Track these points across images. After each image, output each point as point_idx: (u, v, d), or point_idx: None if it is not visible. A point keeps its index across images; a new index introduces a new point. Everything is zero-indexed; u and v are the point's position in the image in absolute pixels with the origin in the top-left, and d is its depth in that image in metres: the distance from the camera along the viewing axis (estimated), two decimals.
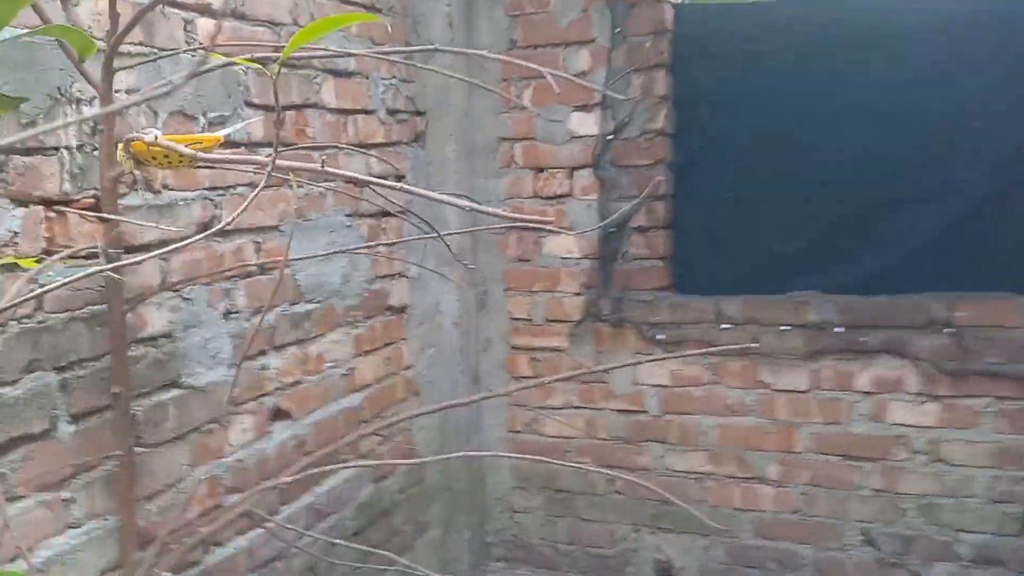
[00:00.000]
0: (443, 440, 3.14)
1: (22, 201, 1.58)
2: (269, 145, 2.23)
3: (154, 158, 1.55)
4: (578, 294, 3.17)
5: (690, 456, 3.13)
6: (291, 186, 2.30)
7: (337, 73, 2.51)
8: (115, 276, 1.65)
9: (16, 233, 1.56)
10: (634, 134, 3.03)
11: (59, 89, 1.63)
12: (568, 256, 3.17)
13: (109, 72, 1.56)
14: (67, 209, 1.65)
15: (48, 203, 1.63)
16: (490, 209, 1.12)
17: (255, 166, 1.68)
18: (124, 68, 1.64)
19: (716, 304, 2.99)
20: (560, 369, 3.21)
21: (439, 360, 3.15)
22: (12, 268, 1.55)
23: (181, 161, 1.56)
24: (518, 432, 3.32)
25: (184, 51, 1.89)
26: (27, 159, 1.58)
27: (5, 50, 1.52)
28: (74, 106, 1.67)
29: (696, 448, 3.11)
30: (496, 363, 3.31)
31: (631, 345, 3.12)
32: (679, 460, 3.14)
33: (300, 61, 2.34)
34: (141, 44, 1.82)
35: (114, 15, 1.54)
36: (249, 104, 2.16)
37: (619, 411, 3.18)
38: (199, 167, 1.84)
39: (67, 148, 1.66)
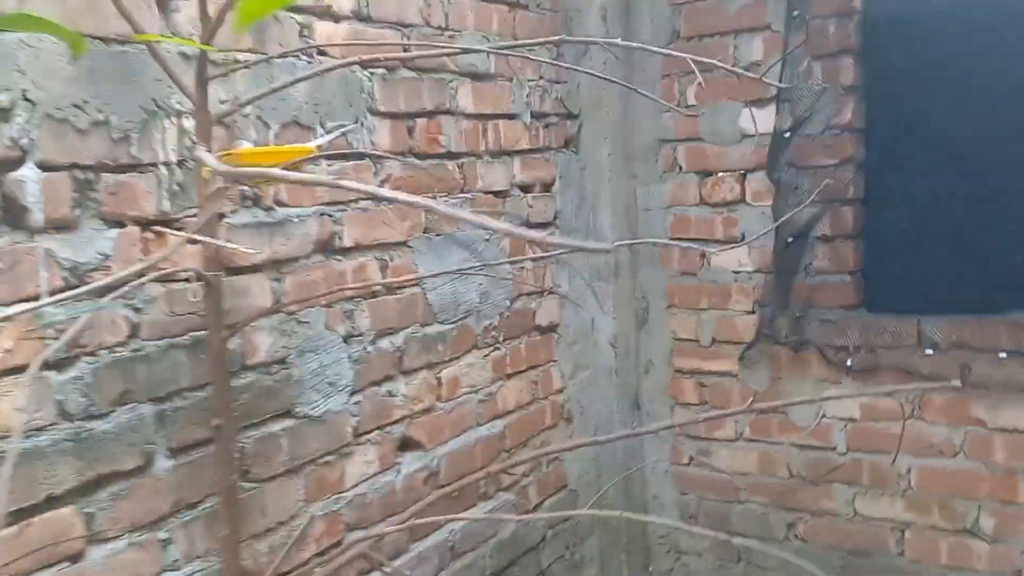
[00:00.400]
0: (599, 472, 2.88)
1: (116, 222, 1.49)
2: (397, 155, 2.07)
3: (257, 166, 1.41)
4: (751, 312, 2.81)
5: (885, 502, 2.68)
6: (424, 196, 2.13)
7: (476, 76, 2.32)
8: (214, 299, 1.53)
9: (108, 256, 1.46)
10: (816, 130, 2.64)
11: (155, 101, 1.53)
12: (740, 270, 2.82)
13: (202, 80, 1.43)
14: (166, 230, 1.55)
15: (145, 223, 1.53)
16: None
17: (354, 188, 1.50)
18: (218, 76, 1.52)
19: (916, 325, 2.54)
20: (730, 396, 2.87)
21: (593, 383, 2.89)
22: (103, 292, 1.46)
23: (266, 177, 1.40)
24: (684, 465, 3.00)
25: (290, 53, 1.76)
26: (121, 176, 1.48)
27: (94, 60, 1.43)
28: (173, 119, 1.56)
29: (893, 493, 2.66)
30: (658, 387, 3.01)
31: (814, 372, 2.72)
32: (872, 506, 2.71)
33: (434, 64, 2.17)
34: (251, 51, 1.70)
35: (206, 18, 1.41)
36: (374, 112, 2.01)
37: (800, 446, 2.79)
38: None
39: (165, 164, 1.56)
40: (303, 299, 1.84)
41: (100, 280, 1.43)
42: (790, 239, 2.65)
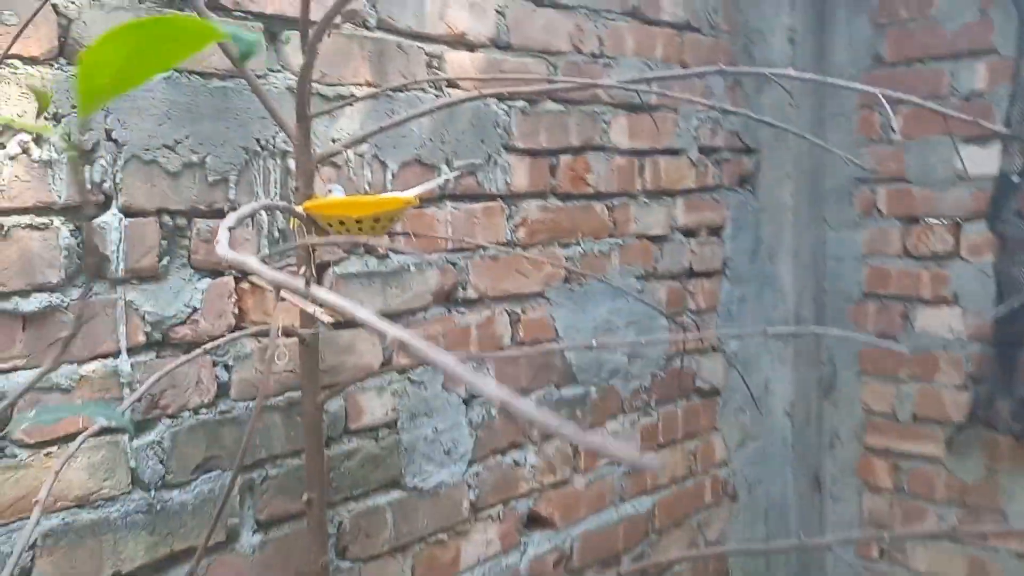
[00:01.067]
0: (769, 566, 2.50)
1: (208, 271, 1.37)
2: (535, 196, 1.86)
3: (331, 224, 1.24)
4: (962, 388, 2.35)
5: None
6: (557, 244, 1.90)
7: (633, 107, 2.07)
8: (310, 359, 1.37)
9: (196, 309, 1.34)
10: None
11: (258, 140, 1.40)
12: (950, 336, 2.37)
13: (304, 117, 1.28)
14: (261, 282, 1.41)
15: (242, 273, 1.40)
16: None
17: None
18: (323, 113, 1.36)
19: None
20: (933, 485, 2.41)
21: (764, 457, 2.53)
22: (188, 349, 1.34)
23: (360, 228, 1.22)
24: (873, 561, 2.56)
25: (412, 86, 1.59)
26: (216, 222, 1.36)
27: (190, 96, 1.32)
28: (278, 159, 1.43)
29: None
30: (844, 466, 2.59)
31: None
32: None
33: (583, 95, 1.94)
34: (369, 85, 1.55)
35: (310, 49, 1.26)
36: (510, 148, 1.80)
37: (1021, 556, 2.29)
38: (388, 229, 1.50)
39: (267, 208, 1.42)
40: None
41: (185, 336, 1.31)
42: (1017, 304, 2.18)
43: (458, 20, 1.69)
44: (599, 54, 1.98)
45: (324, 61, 1.48)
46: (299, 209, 1.23)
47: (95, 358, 1.25)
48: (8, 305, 1.16)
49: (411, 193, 1.24)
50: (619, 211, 2.06)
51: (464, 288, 1.74)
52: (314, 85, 1.47)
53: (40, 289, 1.19)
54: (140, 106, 1.26)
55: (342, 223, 1.23)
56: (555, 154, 1.91)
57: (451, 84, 1.69)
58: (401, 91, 1.59)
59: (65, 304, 1.21)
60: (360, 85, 1.53)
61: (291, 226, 1.28)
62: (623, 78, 2.02)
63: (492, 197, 1.78)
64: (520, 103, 1.82)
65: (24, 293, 1.17)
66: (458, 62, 1.70)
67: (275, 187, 1.43)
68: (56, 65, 1.18)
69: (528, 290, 1.87)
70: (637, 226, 2.11)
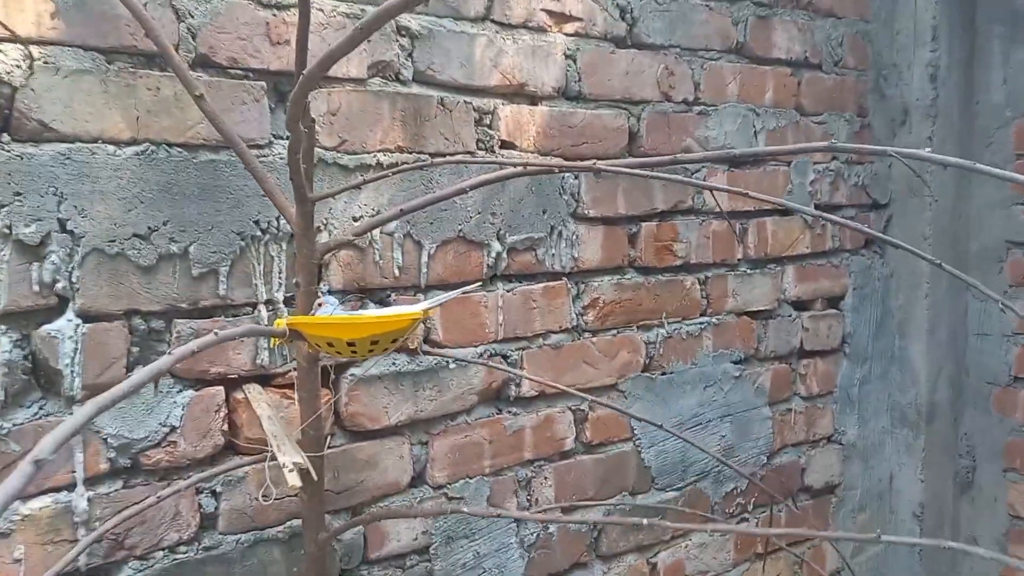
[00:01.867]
0: None
1: (192, 380, 1.13)
2: (609, 271, 1.56)
3: (319, 344, 0.98)
4: None
5: None
6: (641, 326, 1.60)
7: (734, 162, 1.74)
8: (313, 490, 1.11)
9: (174, 428, 1.11)
10: None
11: (257, 223, 1.16)
12: None
13: (303, 200, 1.03)
14: (253, 391, 1.16)
15: (233, 382, 1.17)
16: None
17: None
18: (331, 195, 1.10)
19: None
20: None
21: (889, 566, 2.14)
22: (163, 477, 1.11)
23: (355, 352, 0.96)
24: None
25: (450, 159, 1.32)
26: (201, 323, 1.13)
27: (171, 174, 1.09)
28: (283, 244, 1.19)
29: None
30: None
31: None
32: None
33: (672, 148, 1.63)
34: (400, 150, 1.29)
35: (303, 114, 1.00)
36: (579, 217, 1.51)
37: None
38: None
39: (267, 303, 1.18)
40: (460, 469, 1.38)
41: (160, 461, 1.08)
42: None
43: (517, 68, 1.41)
44: (693, 100, 1.66)
45: (345, 124, 1.23)
46: (281, 326, 0.98)
47: (44, 493, 1.03)
48: None
49: (418, 308, 0.97)
50: (714, 284, 1.73)
51: (518, 384, 1.46)
52: (331, 154, 1.22)
53: None
54: (104, 189, 1.04)
55: (331, 344, 0.97)
56: (636, 221, 1.60)
57: (506, 145, 1.41)
58: (441, 156, 1.32)
59: (4, 431, 1.00)
60: (389, 151, 1.27)
61: (271, 345, 1.04)
62: (723, 129, 1.70)
63: (555, 275, 1.49)
64: (591, 163, 1.52)
65: None
66: (515, 118, 1.42)
67: (280, 278, 1.19)
68: None
69: (598, 383, 1.57)
70: (736, 301, 1.78)
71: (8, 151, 0.97)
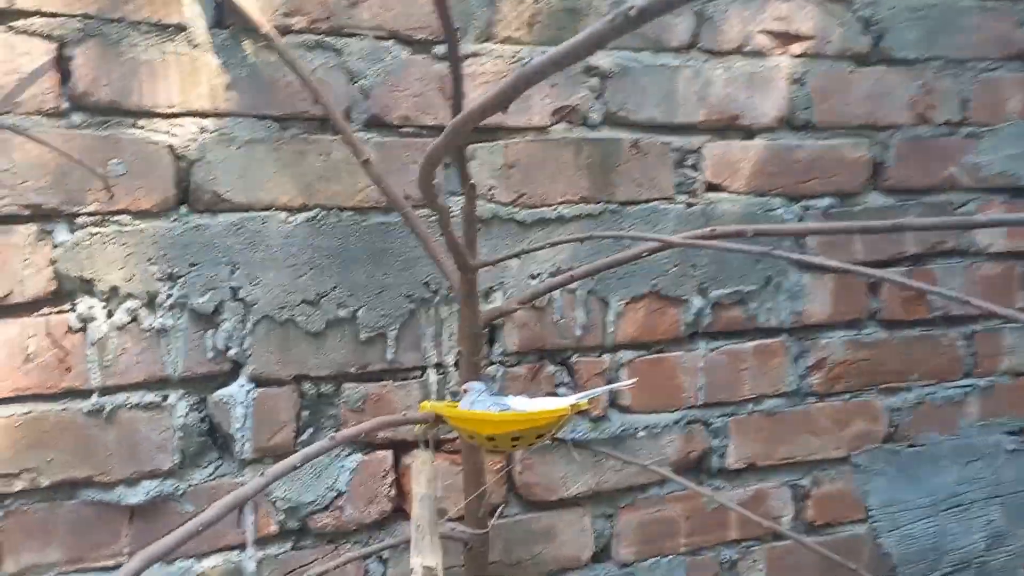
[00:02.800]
0: None
1: (361, 445, 1.12)
2: (842, 326, 1.35)
3: (461, 433, 0.91)
4: None
5: None
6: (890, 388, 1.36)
7: (1017, 191, 1.43)
8: (476, 564, 1.06)
9: (341, 493, 1.10)
10: None
11: (428, 284, 1.12)
12: None
13: (463, 264, 0.97)
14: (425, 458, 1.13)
15: (403, 445, 1.14)
16: None
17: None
18: (500, 260, 1.03)
19: None
20: None
21: None
22: (334, 538, 1.11)
23: (496, 445, 0.88)
24: None
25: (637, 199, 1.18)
26: (369, 387, 1.11)
27: (340, 239, 1.07)
28: (452, 307, 1.13)
29: None
30: None
31: None
32: None
33: (932, 180, 1.37)
34: (586, 201, 1.18)
35: (464, 176, 0.94)
36: (805, 265, 1.31)
37: None
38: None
39: (436, 367, 1.14)
40: (649, 547, 1.26)
41: (327, 525, 1.08)
42: None
43: (728, 100, 1.24)
44: (959, 122, 1.38)
45: (523, 177, 1.15)
46: (425, 409, 0.92)
47: (217, 551, 1.06)
48: (110, 496, 1.01)
49: (565, 403, 0.86)
50: (983, 340, 1.44)
51: (722, 455, 1.30)
52: (507, 209, 1.14)
53: (150, 476, 1.03)
54: (274, 257, 1.04)
55: (471, 437, 0.89)
56: (878, 267, 1.36)
57: (712, 188, 1.25)
58: (633, 205, 1.20)
59: (180, 492, 1.04)
60: (572, 203, 1.17)
61: (415, 432, 0.98)
62: (999, 154, 1.40)
63: (771, 332, 1.31)
64: (825, 201, 1.32)
65: (130, 482, 1.02)
66: (724, 156, 1.25)
67: (450, 340, 1.14)
68: (173, 217, 1.00)
69: (823, 455, 1.36)
70: (1012, 359, 1.46)
71: (186, 223, 1.01)
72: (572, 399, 0.87)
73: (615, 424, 1.23)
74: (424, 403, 0.94)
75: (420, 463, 1.07)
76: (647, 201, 1.21)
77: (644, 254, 0.98)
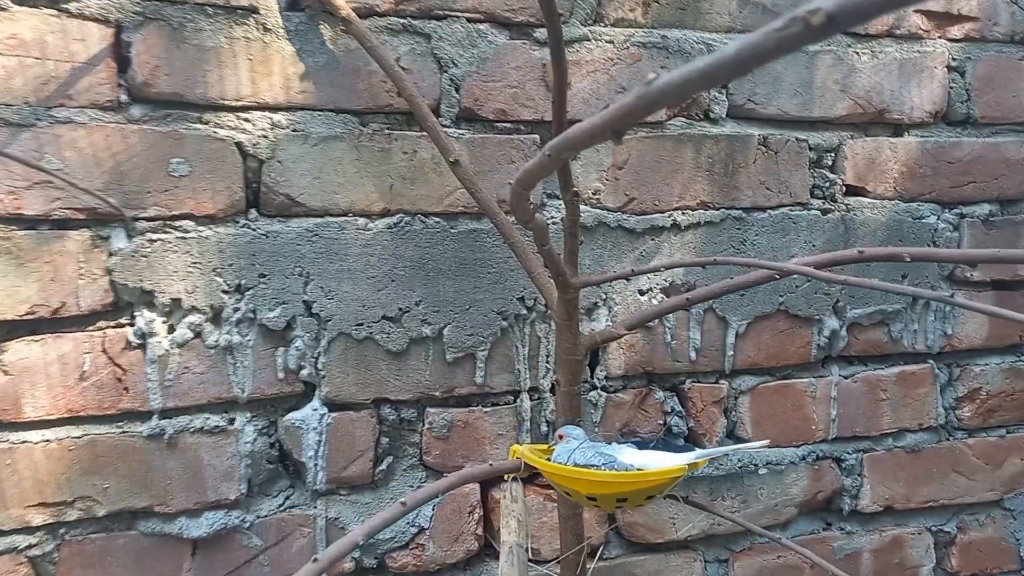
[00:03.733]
0: None
1: (445, 475, 1.00)
2: (1001, 351, 1.17)
3: (557, 487, 0.78)
4: None
5: None
6: None
7: None
8: None
9: (423, 529, 0.99)
10: None
11: (523, 299, 0.99)
12: None
13: (562, 284, 0.84)
14: (515, 494, 1.00)
15: (491, 480, 1.02)
16: None
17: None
18: (608, 280, 0.89)
19: None
20: None
21: None
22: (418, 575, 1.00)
23: (597, 504, 0.74)
24: None
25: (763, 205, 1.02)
26: (455, 412, 0.99)
27: (423, 247, 0.95)
28: (550, 325, 1.00)
29: None
30: None
31: None
32: None
33: None
34: (705, 207, 1.03)
35: (565, 183, 0.81)
36: (958, 281, 1.13)
37: None
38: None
39: (531, 391, 1.01)
40: None
41: (407, 564, 0.97)
42: None
43: (874, 90, 1.07)
44: None
45: (634, 179, 1.00)
46: (516, 454, 0.79)
47: None
48: (172, 528, 0.92)
49: (682, 460, 0.72)
50: None
51: (855, 496, 1.14)
52: (615, 215, 1.00)
53: (214, 506, 0.93)
54: (352, 268, 0.93)
55: (568, 494, 0.76)
56: None
57: (853, 191, 1.08)
58: (760, 211, 1.04)
59: (247, 524, 0.94)
60: (689, 208, 1.02)
61: (506, 480, 0.85)
62: None
63: (916, 357, 1.13)
64: (983, 208, 1.13)
65: (192, 513, 0.93)
66: (868, 155, 1.08)
67: (547, 362, 1.01)
68: (242, 222, 0.90)
69: (973, 498, 1.18)
70: None
71: (255, 229, 0.90)
72: (691, 456, 0.73)
73: (733, 459, 1.08)
74: (515, 447, 0.81)
75: (509, 499, 0.95)
76: (777, 207, 1.05)
77: (776, 277, 0.83)
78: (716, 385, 1.07)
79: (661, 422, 1.05)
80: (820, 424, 1.11)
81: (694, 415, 1.06)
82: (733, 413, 1.08)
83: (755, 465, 1.09)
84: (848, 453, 1.13)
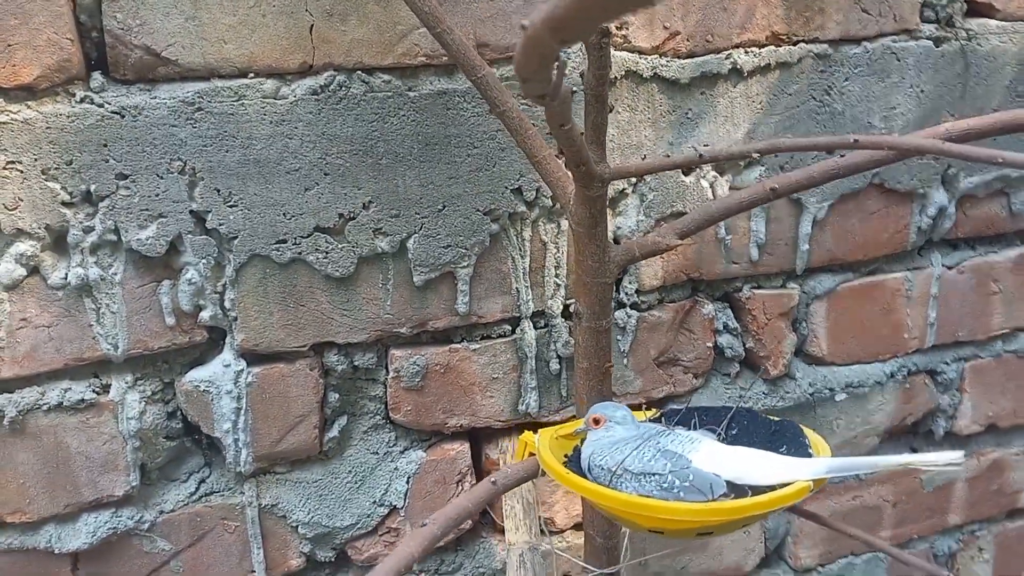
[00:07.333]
0: None
1: (425, 435, 0.73)
2: None
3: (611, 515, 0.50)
4: None
5: None
6: None
7: None
8: None
9: (394, 509, 0.73)
10: None
11: (519, 192, 0.68)
12: None
13: (585, 175, 0.53)
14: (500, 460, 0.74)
15: (484, 434, 0.75)
16: None
17: None
18: (649, 171, 0.59)
19: None
20: None
21: None
22: None
23: (663, 533, 0.47)
24: None
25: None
26: (430, 352, 0.70)
27: (376, 122, 0.63)
28: (559, 224, 0.70)
29: None
30: None
31: None
32: None
33: None
34: (778, 40, 0.71)
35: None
36: None
37: None
38: None
39: (536, 317, 0.72)
40: (836, 544, 0.88)
41: (376, 555, 0.72)
42: None
43: None
44: None
45: (679, 3, 0.68)
46: (530, 444, 0.52)
47: None
48: (37, 541, 0.65)
49: (803, 474, 0.45)
50: None
51: (951, 416, 0.88)
52: (649, 60, 0.68)
53: (94, 507, 0.66)
54: (261, 158, 0.61)
55: (615, 517, 0.49)
56: None
57: (976, 11, 0.76)
58: (853, 43, 0.72)
59: (146, 524, 0.67)
60: (756, 45, 0.70)
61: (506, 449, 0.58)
62: None
63: None
64: None
65: (64, 519, 0.65)
66: None
67: (556, 276, 0.71)
68: (80, 95, 0.57)
69: None
70: None
71: (102, 105, 0.58)
72: (818, 468, 0.45)
73: (803, 383, 0.81)
74: (525, 436, 0.53)
75: (512, 496, 0.68)
76: (876, 37, 0.73)
77: (893, 160, 0.53)
78: (784, 290, 0.78)
79: (710, 344, 0.77)
80: (915, 331, 0.84)
81: (753, 332, 0.78)
82: (803, 325, 0.80)
83: (830, 390, 0.82)
84: (946, 363, 0.87)
